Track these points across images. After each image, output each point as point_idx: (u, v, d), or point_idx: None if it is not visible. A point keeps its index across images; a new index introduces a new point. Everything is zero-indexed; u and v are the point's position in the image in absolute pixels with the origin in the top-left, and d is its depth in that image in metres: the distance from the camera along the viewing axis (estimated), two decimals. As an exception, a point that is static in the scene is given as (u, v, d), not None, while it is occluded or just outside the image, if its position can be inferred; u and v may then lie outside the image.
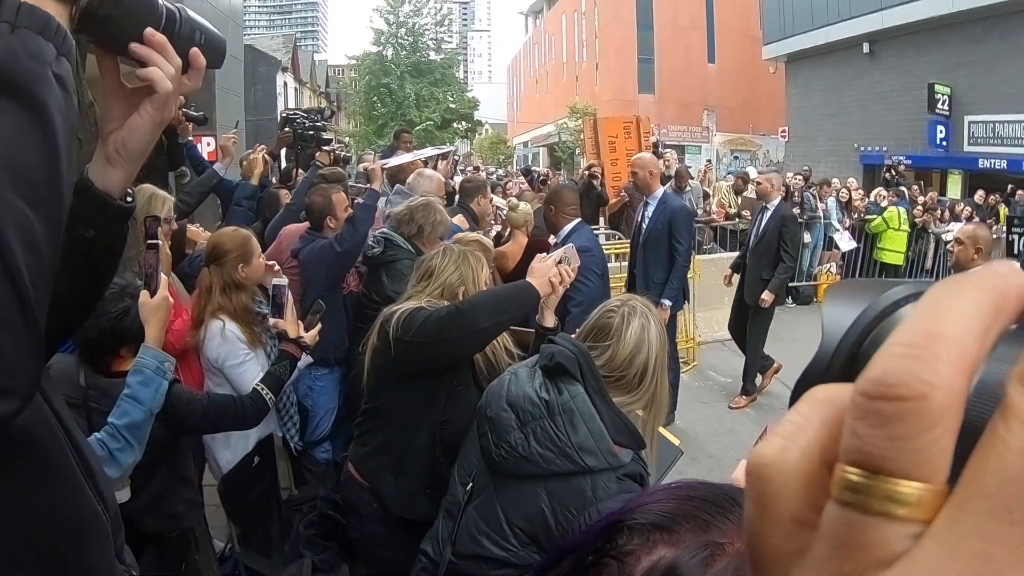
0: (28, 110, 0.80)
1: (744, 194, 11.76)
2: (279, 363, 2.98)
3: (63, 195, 0.86)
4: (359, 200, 4.41)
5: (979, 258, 3.98)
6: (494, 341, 2.65)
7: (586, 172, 10.19)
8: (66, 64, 0.86)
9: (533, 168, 17.82)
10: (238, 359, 3.26)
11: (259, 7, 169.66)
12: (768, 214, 7.10)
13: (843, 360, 0.33)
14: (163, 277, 2.39)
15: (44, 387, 0.92)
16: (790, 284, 11.13)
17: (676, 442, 2.77)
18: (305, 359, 3.24)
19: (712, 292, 8.66)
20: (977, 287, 0.25)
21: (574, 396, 1.84)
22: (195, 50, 1.08)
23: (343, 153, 6.10)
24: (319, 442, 4.32)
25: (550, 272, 2.50)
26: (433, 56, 46.70)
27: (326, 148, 5.96)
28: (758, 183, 7.44)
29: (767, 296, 6.90)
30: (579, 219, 5.12)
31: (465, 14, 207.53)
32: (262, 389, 2.84)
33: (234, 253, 3.33)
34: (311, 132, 6.01)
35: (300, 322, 3.14)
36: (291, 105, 35.66)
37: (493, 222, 6.22)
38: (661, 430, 2.61)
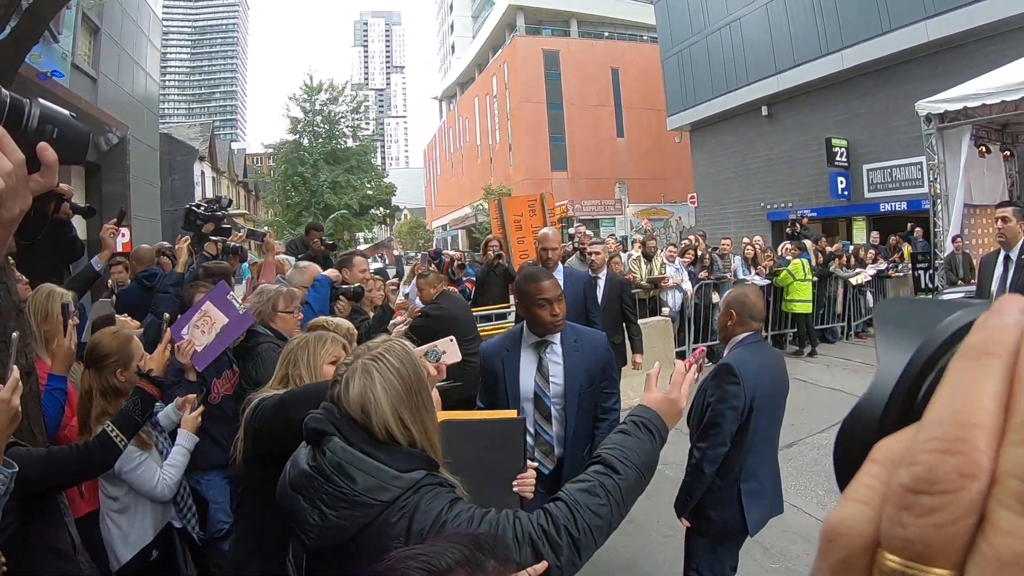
0: None
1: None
2: (131, 400, 2.89)
3: None
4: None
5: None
6: None
7: (489, 252, 10.26)
8: None
9: (444, 251, 17.67)
10: (133, 463, 3.20)
11: (178, 96, 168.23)
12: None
13: (904, 395, 0.34)
14: (13, 375, 2.21)
15: None
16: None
17: (513, 414, 2.85)
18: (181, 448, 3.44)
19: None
20: (993, 356, 0.28)
21: (334, 450, 1.80)
22: (43, 144, 0.96)
23: (235, 244, 6.18)
24: (221, 538, 3.97)
25: None
26: (350, 143, 46.52)
27: (213, 238, 6.05)
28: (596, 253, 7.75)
29: (639, 359, 6.92)
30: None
31: (381, 100, 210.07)
32: (110, 428, 2.75)
33: (113, 358, 3.25)
34: (202, 220, 6.11)
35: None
36: (209, 195, 35.27)
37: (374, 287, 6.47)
38: (492, 414, 2.98)
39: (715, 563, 3.65)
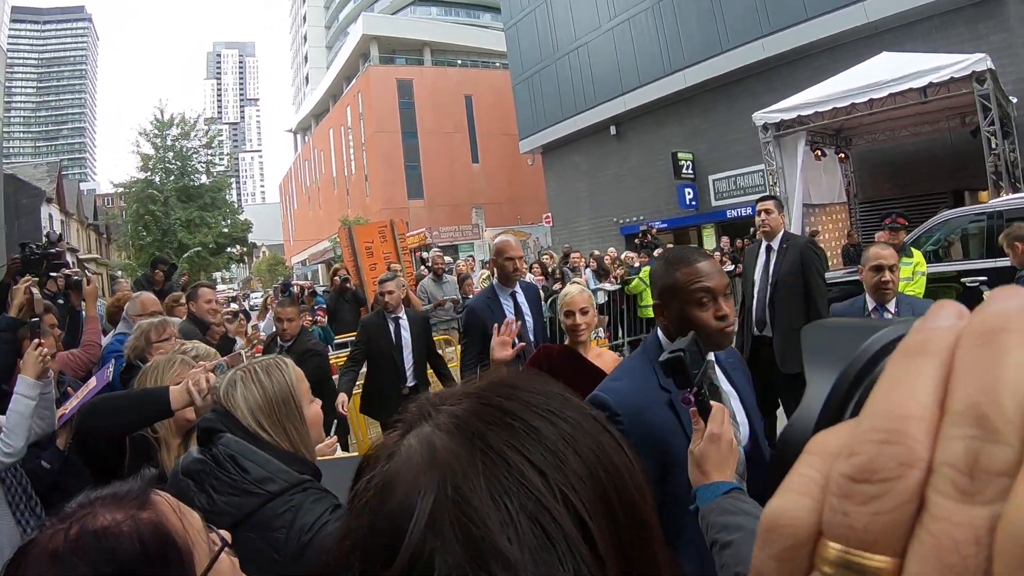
0: None
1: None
2: None
3: None
4: None
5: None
6: None
7: (336, 278, 10.50)
8: None
9: (292, 283, 17.68)
10: None
11: (23, 133, 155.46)
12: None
13: (833, 413, 0.35)
14: None
15: None
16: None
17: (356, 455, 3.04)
18: None
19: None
20: (929, 355, 0.29)
21: (228, 443, 1.89)
22: None
23: (76, 278, 6.01)
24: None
25: (191, 381, 2.49)
26: (203, 179, 44.10)
27: (53, 274, 5.83)
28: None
29: None
30: None
31: (235, 135, 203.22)
32: None
33: None
34: (36, 257, 5.76)
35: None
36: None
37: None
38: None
39: None
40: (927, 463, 0.27)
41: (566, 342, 3.84)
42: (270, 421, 2.00)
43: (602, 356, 3.69)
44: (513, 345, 3.52)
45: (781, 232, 5.64)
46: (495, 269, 4.97)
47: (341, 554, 0.59)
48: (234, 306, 10.69)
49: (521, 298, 4.85)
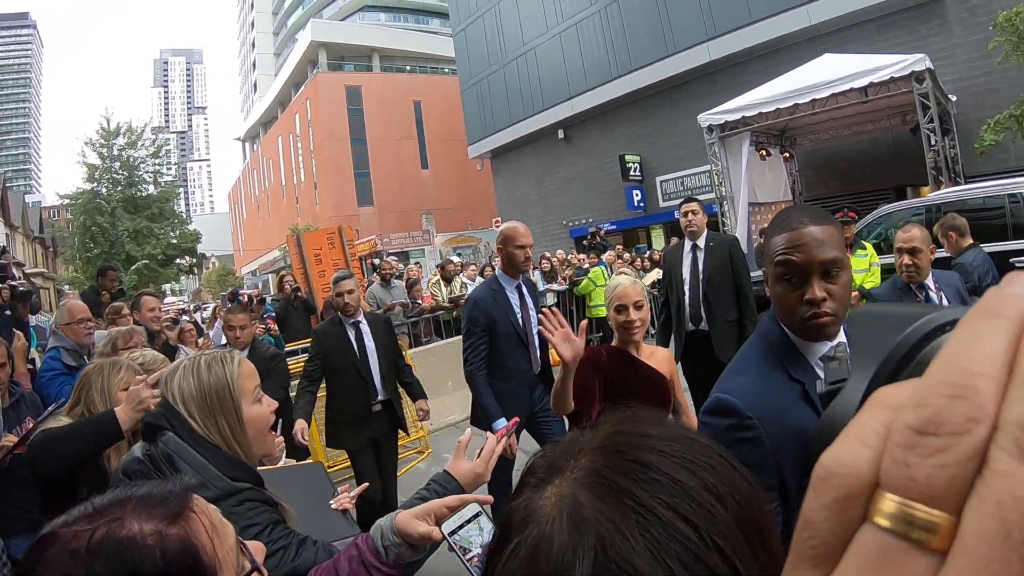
0: None
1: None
2: None
3: None
4: None
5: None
6: None
7: (285, 285, 10.54)
8: None
9: (240, 292, 17.43)
10: None
11: None
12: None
13: (885, 380, 0.35)
14: None
15: None
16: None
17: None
18: None
19: (436, 380, 8.31)
20: (1003, 317, 0.29)
21: (167, 442, 1.88)
22: None
23: (23, 289, 6.10)
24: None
25: (136, 398, 2.54)
26: (151, 189, 43.17)
27: None
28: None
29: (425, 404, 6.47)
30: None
31: (183, 144, 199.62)
32: None
33: None
34: None
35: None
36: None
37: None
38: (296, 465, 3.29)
39: None
40: (993, 420, 0.26)
41: (613, 343, 3.41)
42: (201, 413, 1.98)
43: (655, 355, 3.36)
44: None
45: (705, 231, 5.92)
46: (501, 258, 4.58)
47: None
48: (185, 318, 10.44)
49: (525, 290, 4.54)
